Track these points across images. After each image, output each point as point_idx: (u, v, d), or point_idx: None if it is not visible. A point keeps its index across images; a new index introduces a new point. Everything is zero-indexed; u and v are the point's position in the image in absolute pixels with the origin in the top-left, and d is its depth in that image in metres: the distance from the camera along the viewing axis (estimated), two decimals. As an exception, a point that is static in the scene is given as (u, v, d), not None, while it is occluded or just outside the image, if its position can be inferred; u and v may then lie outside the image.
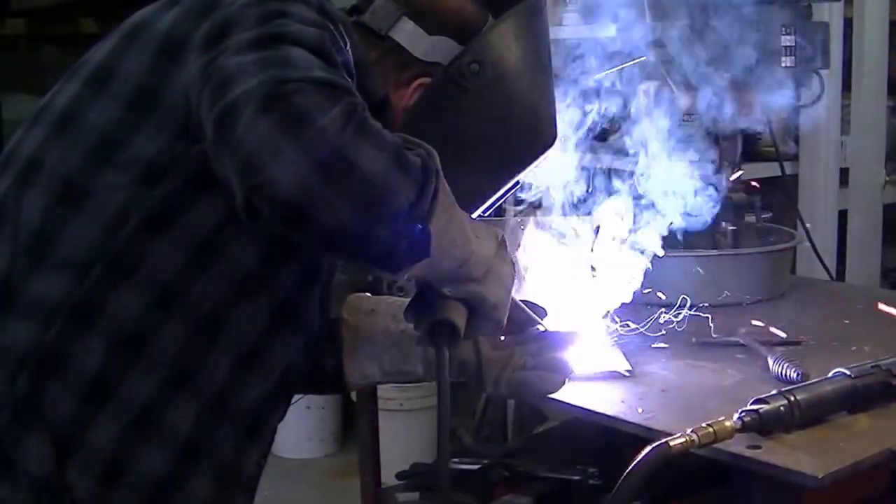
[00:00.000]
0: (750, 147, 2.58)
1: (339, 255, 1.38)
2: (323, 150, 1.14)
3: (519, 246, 1.93)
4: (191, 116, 1.26)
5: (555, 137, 1.60)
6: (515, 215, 2.07)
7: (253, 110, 1.14)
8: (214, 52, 1.24)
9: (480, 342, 1.56)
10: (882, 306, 1.70)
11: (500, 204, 1.65)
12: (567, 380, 1.59)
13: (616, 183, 2.12)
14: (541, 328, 1.59)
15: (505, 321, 1.39)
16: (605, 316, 1.96)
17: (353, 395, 2.46)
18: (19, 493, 1.26)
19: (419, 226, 1.21)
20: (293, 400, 1.53)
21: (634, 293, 2.00)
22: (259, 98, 1.15)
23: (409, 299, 1.50)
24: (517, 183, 1.63)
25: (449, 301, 1.34)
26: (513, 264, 1.39)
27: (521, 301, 1.50)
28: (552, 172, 2.02)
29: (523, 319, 1.51)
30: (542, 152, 1.59)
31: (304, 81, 1.16)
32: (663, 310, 2.04)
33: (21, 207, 1.32)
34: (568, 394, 1.68)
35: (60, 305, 1.28)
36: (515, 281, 1.40)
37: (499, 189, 1.58)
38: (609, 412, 1.67)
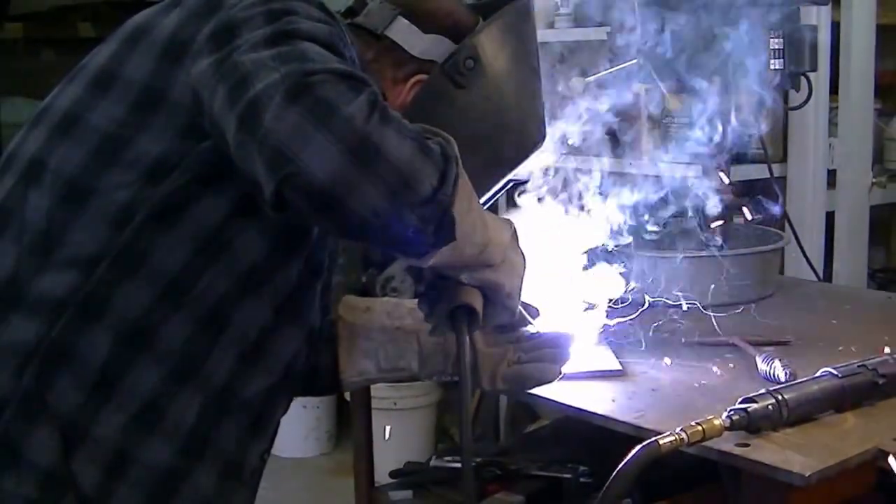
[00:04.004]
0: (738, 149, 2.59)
1: (368, 242, 1.38)
2: (353, 137, 1.15)
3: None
4: (200, 115, 1.27)
5: (545, 134, 1.63)
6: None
7: (280, 101, 1.15)
8: (225, 51, 1.25)
9: (476, 339, 1.58)
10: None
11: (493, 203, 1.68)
12: (562, 372, 1.61)
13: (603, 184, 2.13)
14: (532, 329, 1.62)
15: (518, 310, 1.41)
16: (596, 316, 1.97)
17: (347, 395, 2.46)
18: (25, 484, 1.27)
19: (443, 210, 1.23)
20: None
21: (624, 293, 2.01)
22: (284, 90, 1.16)
23: (403, 299, 1.52)
24: (510, 181, 1.65)
25: (466, 287, 1.36)
26: (524, 255, 1.41)
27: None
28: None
29: (517, 318, 1.53)
30: (534, 148, 1.61)
31: (325, 73, 1.18)
32: (653, 310, 2.06)
33: (25, 207, 1.33)
34: (559, 393, 1.70)
35: (67, 301, 1.29)
36: (527, 271, 1.42)
37: (493, 185, 1.60)
38: (599, 411, 1.68)
